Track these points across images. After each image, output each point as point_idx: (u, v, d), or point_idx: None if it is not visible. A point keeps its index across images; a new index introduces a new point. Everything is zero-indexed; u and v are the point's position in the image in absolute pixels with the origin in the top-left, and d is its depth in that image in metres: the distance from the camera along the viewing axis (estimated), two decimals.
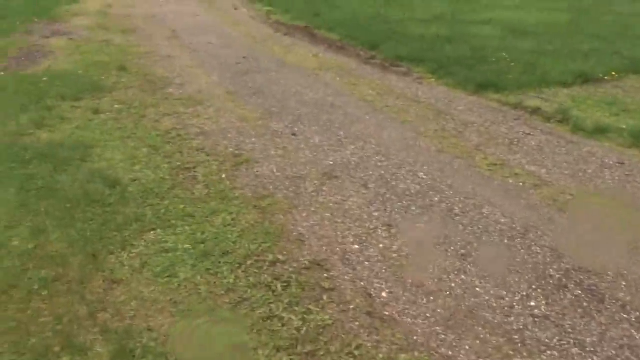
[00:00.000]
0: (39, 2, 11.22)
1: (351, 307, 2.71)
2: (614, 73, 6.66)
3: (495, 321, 2.62)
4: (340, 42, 8.58)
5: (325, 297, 2.77)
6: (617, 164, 4.36)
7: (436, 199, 3.77)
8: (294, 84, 6.36)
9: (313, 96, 5.94)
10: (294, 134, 4.89)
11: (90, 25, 9.43)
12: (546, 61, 7.08)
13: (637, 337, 2.52)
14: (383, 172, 4.17)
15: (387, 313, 2.68)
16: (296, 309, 2.68)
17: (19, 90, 5.78)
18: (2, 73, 6.51)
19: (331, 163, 4.31)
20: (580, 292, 2.84)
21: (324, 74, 6.86)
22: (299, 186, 3.92)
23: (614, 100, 5.81)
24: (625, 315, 2.66)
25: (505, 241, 3.28)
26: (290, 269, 2.99)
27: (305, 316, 2.64)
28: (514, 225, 3.45)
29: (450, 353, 2.43)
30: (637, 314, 2.67)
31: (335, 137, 4.83)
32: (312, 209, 3.62)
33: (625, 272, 2.98)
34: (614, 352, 2.43)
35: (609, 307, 2.72)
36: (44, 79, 6.19)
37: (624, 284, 2.89)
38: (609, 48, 7.82)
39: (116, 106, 5.49)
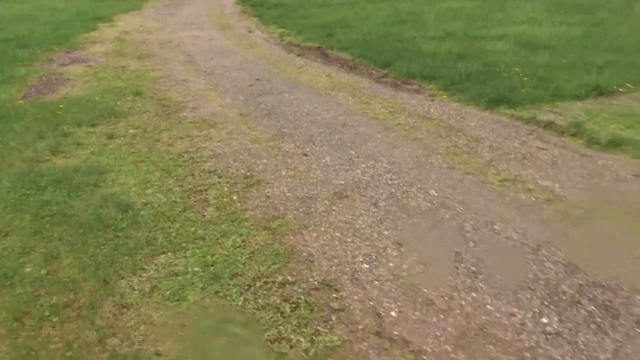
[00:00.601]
0: (59, 30, 11.52)
1: (360, 327, 2.69)
2: (629, 85, 6.56)
3: (507, 339, 2.58)
4: (353, 62, 8.61)
5: (334, 318, 2.76)
6: (633, 177, 4.28)
7: (447, 216, 3.74)
8: (306, 105, 6.41)
9: (325, 116, 5.97)
10: (305, 154, 4.91)
11: (108, 52, 9.65)
12: (560, 75, 7.00)
13: None
14: (394, 190, 4.15)
15: (396, 333, 2.65)
16: (304, 330, 2.67)
17: (37, 117, 5.93)
18: (22, 101, 6.68)
19: (342, 182, 4.31)
20: (593, 307, 2.78)
21: (336, 93, 6.90)
22: (309, 206, 3.93)
23: (629, 112, 5.72)
24: None
25: (517, 257, 3.24)
26: (299, 290, 2.98)
27: (313, 337, 2.63)
28: (526, 241, 3.40)
29: None
30: None
31: (346, 156, 4.83)
32: (322, 229, 3.61)
33: None
34: None
35: (623, 322, 2.66)
36: (61, 106, 6.34)
37: (639, 298, 2.82)
38: (624, 60, 7.71)
39: (131, 131, 5.58)
